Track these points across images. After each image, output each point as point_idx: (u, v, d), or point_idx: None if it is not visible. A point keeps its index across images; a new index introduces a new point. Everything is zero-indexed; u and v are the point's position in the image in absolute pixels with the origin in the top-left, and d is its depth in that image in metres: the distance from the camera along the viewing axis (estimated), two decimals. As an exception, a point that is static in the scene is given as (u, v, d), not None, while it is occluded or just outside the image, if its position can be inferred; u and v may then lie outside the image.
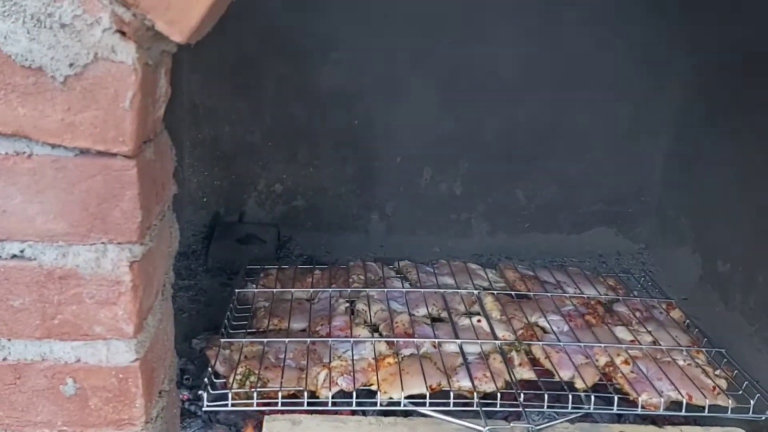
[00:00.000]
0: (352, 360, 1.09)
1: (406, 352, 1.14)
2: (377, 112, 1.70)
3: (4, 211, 0.71)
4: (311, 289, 1.36)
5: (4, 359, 0.76)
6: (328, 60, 1.66)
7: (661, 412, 1.05)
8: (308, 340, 1.15)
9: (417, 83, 1.67)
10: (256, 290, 1.35)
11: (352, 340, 1.15)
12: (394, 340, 1.16)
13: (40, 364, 0.76)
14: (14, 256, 0.72)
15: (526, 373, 1.12)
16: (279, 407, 1.00)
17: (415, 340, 1.17)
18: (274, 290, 1.35)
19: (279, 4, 1.58)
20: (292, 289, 1.35)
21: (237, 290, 1.33)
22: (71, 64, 0.66)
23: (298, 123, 1.71)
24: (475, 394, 1.04)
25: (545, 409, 1.03)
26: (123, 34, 0.66)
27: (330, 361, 1.09)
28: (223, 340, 1.14)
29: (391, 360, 1.10)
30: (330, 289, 1.36)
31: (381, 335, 1.19)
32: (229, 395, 1.00)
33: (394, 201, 1.79)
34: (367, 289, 1.35)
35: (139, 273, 0.74)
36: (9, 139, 0.69)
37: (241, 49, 1.63)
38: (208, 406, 0.99)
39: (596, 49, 1.59)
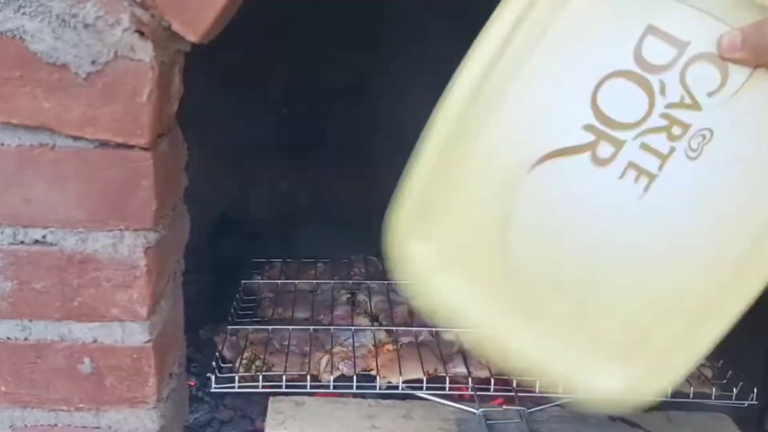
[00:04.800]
0: (353, 347, 1.14)
1: (405, 340, 1.19)
2: (382, 112, 1.73)
3: (28, 200, 0.75)
4: (314, 281, 1.41)
5: (26, 339, 0.80)
6: (333, 60, 1.68)
7: (648, 398, 1.09)
8: (311, 327, 1.20)
9: (423, 81, 1.68)
10: (261, 281, 1.40)
11: (353, 328, 1.20)
12: (394, 328, 1.21)
13: (59, 344, 0.80)
14: (37, 242, 0.77)
15: (520, 361, 1.16)
16: (283, 389, 1.05)
17: (413, 328, 1.21)
18: (279, 282, 1.40)
19: (284, 5, 1.61)
20: (296, 281, 1.40)
21: (243, 281, 1.38)
22: (93, 62, 0.71)
23: (303, 122, 1.74)
24: (470, 379, 1.08)
25: (537, 393, 1.07)
26: (141, 33, 0.70)
27: (332, 348, 1.14)
28: (229, 327, 1.19)
29: (390, 347, 1.15)
30: (332, 281, 1.41)
31: (381, 324, 1.24)
32: (236, 378, 1.05)
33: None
34: (368, 282, 1.40)
35: (153, 258, 0.79)
36: (34, 131, 0.73)
37: (247, 50, 1.66)
38: (215, 387, 1.04)
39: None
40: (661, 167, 0.69)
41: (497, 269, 0.73)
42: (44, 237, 0.77)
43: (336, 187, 1.79)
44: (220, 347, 1.13)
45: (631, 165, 0.69)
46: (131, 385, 0.82)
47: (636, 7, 0.69)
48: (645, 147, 0.69)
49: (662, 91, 0.69)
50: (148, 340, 0.81)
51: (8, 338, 0.80)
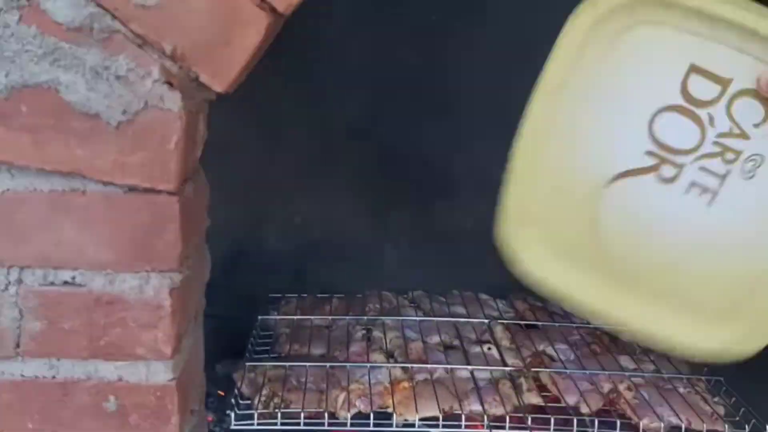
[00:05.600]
0: (369, 384, 1.15)
1: (420, 377, 1.20)
2: (392, 148, 1.76)
3: (59, 242, 0.78)
4: (330, 317, 1.43)
5: (53, 377, 0.83)
6: (346, 98, 1.72)
7: (661, 436, 1.11)
8: (327, 364, 1.22)
9: (432, 121, 1.72)
10: (277, 317, 1.42)
11: (368, 365, 1.22)
12: (409, 365, 1.23)
13: (85, 383, 0.83)
14: (66, 283, 0.80)
15: (534, 398, 1.17)
16: (301, 427, 1.06)
17: (428, 366, 1.23)
18: (295, 317, 1.42)
19: (299, 46, 1.65)
20: (312, 317, 1.42)
21: (260, 317, 1.40)
22: (124, 111, 0.74)
23: (317, 158, 1.77)
24: (485, 416, 1.10)
25: (552, 431, 1.09)
26: (170, 84, 0.74)
27: (348, 385, 1.15)
28: (247, 363, 1.20)
29: (406, 384, 1.16)
30: (347, 317, 1.42)
31: (396, 361, 1.25)
32: (255, 415, 1.07)
33: (408, 233, 1.84)
34: (382, 318, 1.42)
35: (177, 299, 0.82)
36: (66, 177, 0.77)
37: (263, 88, 1.69)
38: (235, 424, 1.06)
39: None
40: (720, 185, 0.79)
41: (600, 259, 0.85)
42: (73, 278, 0.80)
43: (349, 221, 1.82)
44: (238, 384, 1.15)
45: (694, 183, 0.80)
46: (155, 423, 0.85)
47: (677, 49, 0.77)
48: (704, 169, 0.79)
49: (711, 123, 0.78)
50: (172, 379, 0.84)
51: (36, 376, 0.83)
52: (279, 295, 1.56)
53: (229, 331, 1.50)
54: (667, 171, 0.79)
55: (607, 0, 0.77)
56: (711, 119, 0.77)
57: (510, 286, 1.74)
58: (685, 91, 0.77)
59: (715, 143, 0.77)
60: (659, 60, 0.78)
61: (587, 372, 1.24)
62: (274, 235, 1.82)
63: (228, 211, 1.79)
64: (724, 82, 0.75)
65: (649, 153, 0.79)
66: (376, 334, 1.35)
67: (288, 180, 1.78)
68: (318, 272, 1.80)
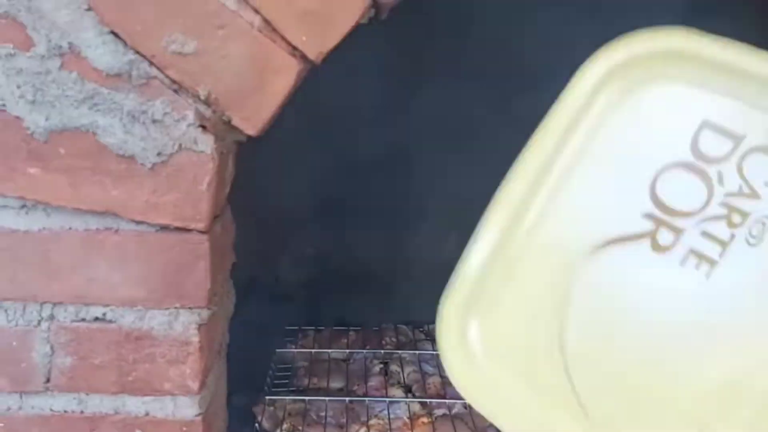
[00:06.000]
0: (389, 419, 1.16)
1: (439, 412, 1.21)
2: (406, 181, 1.77)
3: (92, 279, 0.80)
4: (347, 350, 1.44)
5: (81, 412, 0.84)
6: (360, 132, 1.73)
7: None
8: (346, 399, 1.23)
9: (451, 153, 1.73)
10: (295, 350, 1.43)
11: (387, 399, 1.23)
12: (428, 400, 1.24)
13: (113, 417, 0.84)
14: (97, 319, 0.82)
15: (552, 434, 1.18)
16: (322, 461, 1.08)
17: (447, 401, 1.24)
18: (312, 350, 1.43)
19: (314, 82, 1.67)
20: (329, 350, 1.44)
21: (277, 350, 1.41)
22: (159, 153, 0.76)
23: (331, 190, 1.78)
24: (504, 452, 1.10)
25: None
26: (204, 128, 0.76)
27: (368, 420, 1.16)
28: (267, 397, 1.22)
29: (425, 420, 1.17)
30: (365, 351, 1.43)
31: (414, 396, 1.26)
32: (276, 450, 1.08)
33: (421, 265, 1.84)
34: (399, 351, 1.43)
35: (205, 335, 0.83)
36: (100, 216, 0.79)
37: (279, 121, 1.71)
38: (257, 459, 1.07)
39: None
40: (722, 254, 0.72)
41: (549, 359, 0.74)
42: (104, 314, 0.82)
43: (364, 252, 1.82)
44: (259, 418, 1.16)
45: (693, 252, 0.73)
46: (180, 458, 0.86)
47: (691, 104, 0.73)
48: (705, 234, 0.73)
49: (720, 181, 0.72)
50: (198, 414, 0.85)
51: (65, 411, 0.84)
52: (295, 327, 1.57)
53: (245, 363, 1.51)
54: (665, 237, 0.73)
55: (626, 48, 0.72)
56: (720, 177, 0.72)
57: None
58: (695, 148, 0.72)
59: (722, 204, 0.72)
60: (671, 115, 0.73)
61: (605, 408, 1.24)
62: (288, 266, 1.83)
63: (243, 243, 1.80)
64: (736, 138, 0.72)
65: (648, 216, 0.73)
66: (394, 368, 1.36)
67: (302, 212, 1.79)
68: (332, 303, 1.81)
